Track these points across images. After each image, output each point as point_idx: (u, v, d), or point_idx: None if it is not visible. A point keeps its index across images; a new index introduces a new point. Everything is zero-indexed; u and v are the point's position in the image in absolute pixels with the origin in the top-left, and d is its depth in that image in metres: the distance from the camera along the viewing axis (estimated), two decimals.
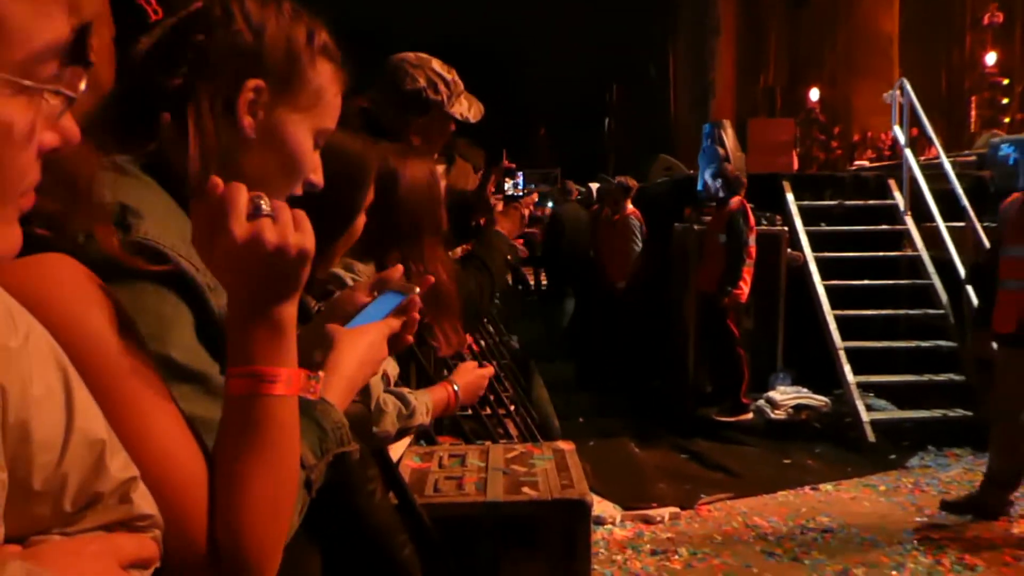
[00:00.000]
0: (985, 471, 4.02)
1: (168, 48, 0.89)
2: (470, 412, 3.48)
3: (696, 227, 6.45)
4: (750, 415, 5.83)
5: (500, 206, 2.28)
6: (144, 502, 0.64)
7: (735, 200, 5.82)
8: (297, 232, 0.74)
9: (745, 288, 5.78)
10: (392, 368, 1.68)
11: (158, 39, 0.91)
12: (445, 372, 2.04)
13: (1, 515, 0.53)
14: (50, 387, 0.57)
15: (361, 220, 1.30)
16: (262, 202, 0.73)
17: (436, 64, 2.10)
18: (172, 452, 0.69)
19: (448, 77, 2.10)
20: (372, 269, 1.58)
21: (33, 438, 0.55)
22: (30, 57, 0.51)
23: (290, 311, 0.76)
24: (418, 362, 2.22)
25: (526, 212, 2.47)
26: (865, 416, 5.50)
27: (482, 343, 4.63)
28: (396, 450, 1.76)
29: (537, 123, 30.91)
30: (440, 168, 2.20)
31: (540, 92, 28.90)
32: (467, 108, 2.15)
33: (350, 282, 1.48)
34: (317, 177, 0.98)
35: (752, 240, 5.79)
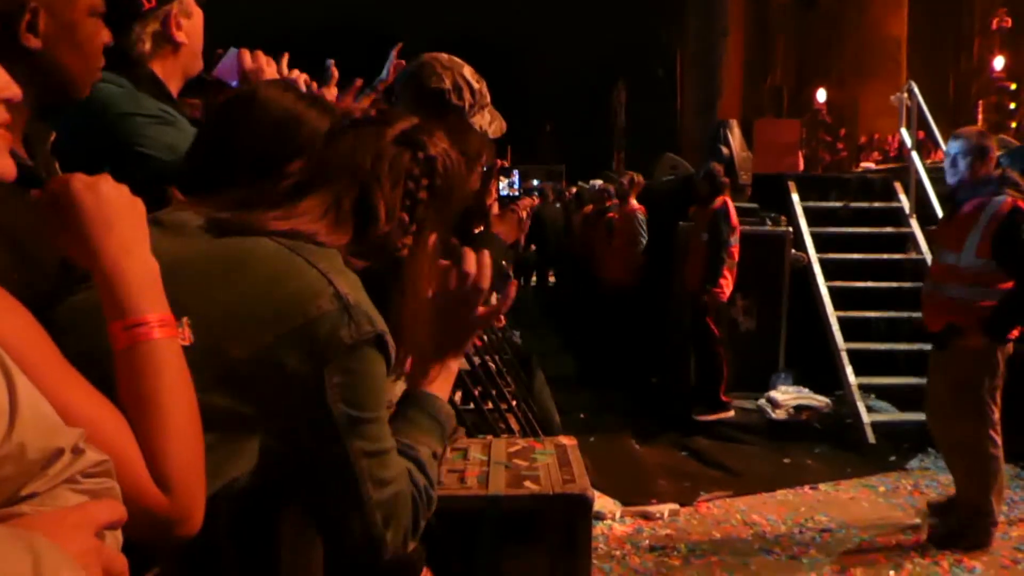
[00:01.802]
0: (955, 497, 3.81)
1: None
2: (472, 406, 3.50)
3: (681, 224, 6.45)
4: (731, 412, 5.84)
5: (496, 208, 2.25)
6: (94, 451, 0.69)
7: (719, 200, 5.82)
8: None
9: (726, 288, 5.77)
10: None
11: None
12: None
13: None
14: None
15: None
16: None
17: (467, 71, 2.05)
18: (96, 414, 0.75)
19: (476, 86, 2.04)
20: None
21: None
22: None
23: (150, 260, 0.84)
24: None
25: (524, 215, 2.45)
26: (866, 417, 5.51)
27: (484, 338, 4.65)
28: None
29: (543, 120, 30.87)
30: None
31: (546, 89, 28.88)
32: (488, 122, 2.08)
33: None
34: (9, 90, 0.84)
35: (735, 240, 5.78)
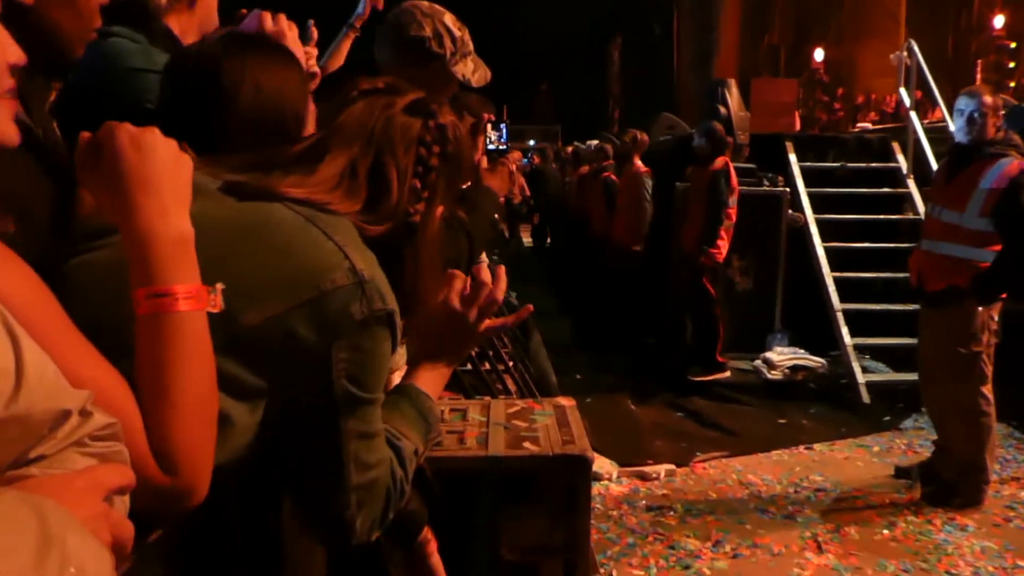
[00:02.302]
0: (940, 451, 3.84)
1: None
2: (470, 367, 3.50)
3: (679, 184, 6.41)
4: (727, 373, 5.86)
5: (485, 162, 2.21)
6: (102, 414, 0.68)
7: (719, 160, 5.77)
8: None
9: (723, 248, 5.76)
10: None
11: None
12: None
13: None
14: None
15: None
16: None
17: (448, 18, 2.02)
18: (99, 380, 0.73)
19: (457, 34, 2.01)
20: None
21: None
22: None
23: (186, 226, 0.82)
24: None
25: (513, 167, 2.42)
26: (860, 378, 5.54)
27: None
28: None
29: (539, 79, 30.55)
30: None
31: (542, 48, 28.51)
32: (471, 71, 2.05)
33: None
34: (16, 56, 0.79)
35: (733, 202, 5.75)
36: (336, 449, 0.96)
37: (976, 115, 3.58)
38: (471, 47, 2.06)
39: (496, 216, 2.21)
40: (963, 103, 3.65)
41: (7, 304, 0.67)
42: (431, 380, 1.18)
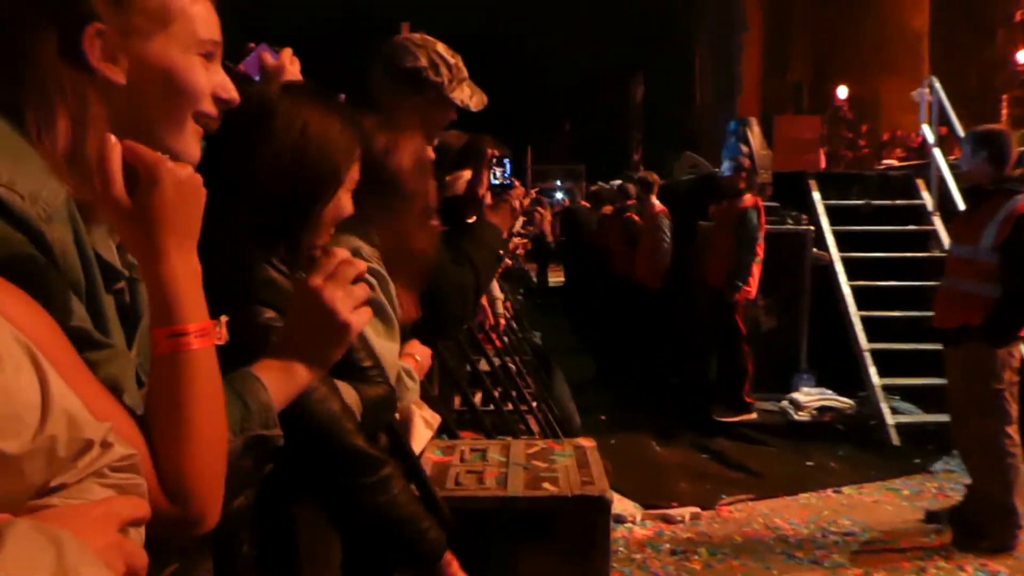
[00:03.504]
0: (971, 493, 3.76)
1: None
2: (492, 407, 3.50)
3: (702, 223, 6.41)
4: (753, 415, 5.79)
5: (489, 198, 2.24)
6: (122, 446, 0.69)
7: (748, 196, 5.77)
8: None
9: (754, 284, 5.74)
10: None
11: None
12: None
13: None
14: (17, 355, 0.62)
15: (346, 196, 1.28)
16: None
17: (441, 47, 2.06)
18: (110, 413, 0.74)
19: (451, 61, 2.05)
20: (378, 252, 1.58)
21: (17, 399, 0.60)
22: None
23: (196, 261, 0.82)
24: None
25: (516, 204, 2.43)
26: (890, 419, 5.45)
27: (504, 339, 4.65)
28: (418, 443, 1.76)
29: (561, 118, 30.79)
30: (468, 173, 2.15)
31: (563, 87, 28.79)
32: (468, 96, 2.08)
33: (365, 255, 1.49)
34: (227, 93, 0.94)
35: (761, 237, 5.74)
36: None
37: (974, 154, 3.66)
38: (465, 73, 2.09)
39: (501, 251, 2.22)
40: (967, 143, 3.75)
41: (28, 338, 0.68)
42: (271, 366, 0.97)
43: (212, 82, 0.93)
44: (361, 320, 1.01)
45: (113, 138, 0.80)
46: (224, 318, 0.87)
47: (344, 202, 1.28)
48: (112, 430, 0.68)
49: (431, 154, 2.15)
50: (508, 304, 5.31)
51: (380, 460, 1.28)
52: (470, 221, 2.14)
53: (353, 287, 1.01)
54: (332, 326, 0.99)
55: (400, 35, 2.10)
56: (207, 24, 0.92)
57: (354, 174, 1.29)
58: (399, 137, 1.64)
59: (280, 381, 0.96)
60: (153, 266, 0.80)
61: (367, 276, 1.45)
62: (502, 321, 5.83)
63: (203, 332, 0.81)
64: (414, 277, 1.66)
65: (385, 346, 1.49)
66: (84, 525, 0.62)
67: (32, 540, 0.56)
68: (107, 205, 0.80)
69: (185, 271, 0.81)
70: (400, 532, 1.33)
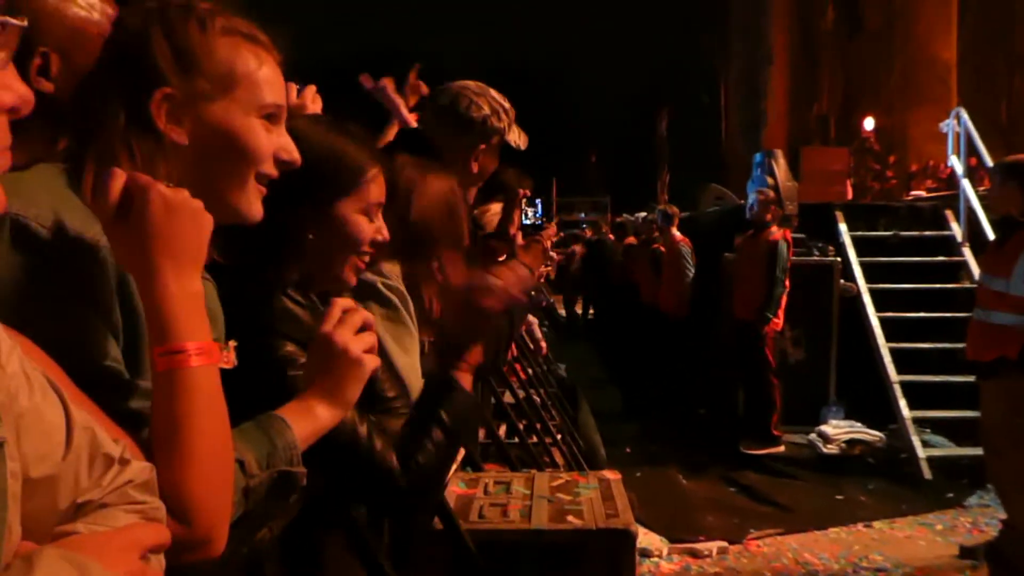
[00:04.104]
0: (1007, 528, 3.61)
1: (77, 90, 0.91)
2: (516, 440, 3.50)
3: (727, 255, 6.40)
4: (781, 447, 5.72)
5: (520, 238, 2.26)
6: (137, 461, 0.72)
7: (776, 229, 5.77)
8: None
9: (781, 316, 5.73)
10: None
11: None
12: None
13: (17, 511, 0.60)
14: (41, 379, 0.66)
15: (363, 220, 1.28)
16: None
17: (494, 93, 2.13)
18: (115, 434, 0.76)
19: (506, 105, 2.13)
20: (398, 268, 1.60)
21: (46, 419, 0.64)
22: None
23: (198, 284, 0.83)
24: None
25: (548, 244, 2.46)
26: (921, 452, 5.36)
27: (530, 371, 4.66)
28: None
29: (587, 150, 30.95)
30: (497, 206, 2.20)
31: (589, 119, 28.98)
32: (517, 135, 2.16)
33: (379, 286, 1.51)
34: (290, 155, 0.98)
35: (788, 269, 5.74)
36: None
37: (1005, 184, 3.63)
38: (514, 115, 2.16)
39: (532, 293, 2.25)
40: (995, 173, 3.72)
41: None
42: (294, 408, 1.03)
43: (274, 144, 0.97)
44: (372, 362, 1.07)
45: (116, 168, 0.82)
46: (233, 343, 0.88)
47: (362, 226, 1.27)
48: (127, 448, 0.71)
49: (497, 213, 2.20)
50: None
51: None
52: (501, 260, 2.17)
53: (361, 334, 1.07)
54: (346, 366, 1.05)
55: (454, 84, 2.14)
56: (272, 87, 0.96)
57: (369, 195, 1.28)
58: (428, 175, 1.68)
59: (303, 421, 1.01)
60: (147, 285, 0.81)
61: (389, 294, 1.50)
62: (543, 345, 5.87)
63: (203, 351, 0.81)
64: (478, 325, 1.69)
65: (409, 364, 1.52)
66: (109, 553, 0.64)
67: (60, 568, 0.59)
68: (105, 228, 0.81)
69: (181, 291, 0.81)
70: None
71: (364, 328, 1.08)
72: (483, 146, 2.08)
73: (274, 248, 1.20)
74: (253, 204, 0.96)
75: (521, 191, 2.20)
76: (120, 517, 0.68)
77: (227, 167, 0.93)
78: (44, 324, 0.76)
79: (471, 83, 2.16)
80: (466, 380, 1.38)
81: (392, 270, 1.56)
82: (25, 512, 0.61)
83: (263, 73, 0.95)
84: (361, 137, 1.32)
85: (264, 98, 0.95)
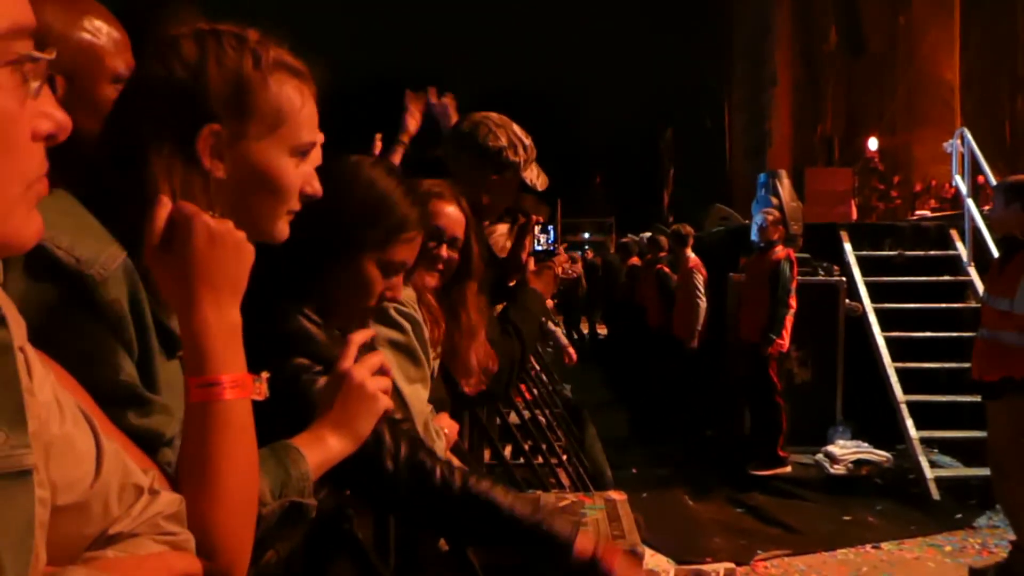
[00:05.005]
0: (1016, 549, 3.68)
1: (118, 115, 0.92)
2: (522, 460, 3.50)
3: (734, 275, 6.40)
4: (788, 468, 5.70)
5: (532, 264, 2.27)
6: (167, 492, 0.72)
7: (780, 248, 5.78)
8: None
9: (787, 337, 5.71)
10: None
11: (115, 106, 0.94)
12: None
13: (44, 537, 0.60)
14: (73, 407, 0.67)
15: (376, 279, 1.28)
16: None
17: (516, 127, 2.15)
18: (142, 463, 0.77)
19: (526, 141, 2.14)
20: (414, 294, 1.62)
21: (77, 447, 0.65)
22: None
23: (236, 315, 0.84)
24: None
25: (559, 271, 2.47)
26: (929, 473, 5.33)
27: (535, 391, 4.66)
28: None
29: (592, 171, 31.07)
30: (504, 227, 2.21)
31: (594, 141, 29.13)
32: (535, 175, 2.16)
33: (391, 311, 1.52)
34: (313, 188, 1.00)
35: (793, 289, 5.73)
36: None
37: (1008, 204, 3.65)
38: (535, 152, 2.17)
39: (544, 319, 2.27)
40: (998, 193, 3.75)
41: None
42: (308, 439, 1.04)
43: (301, 177, 0.98)
44: (387, 402, 1.10)
45: (164, 197, 0.83)
46: (265, 374, 0.88)
47: (375, 282, 1.27)
48: (156, 478, 0.72)
49: (504, 234, 2.21)
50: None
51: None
52: (511, 284, 2.18)
53: (377, 376, 1.10)
54: (361, 400, 1.07)
55: (478, 114, 2.15)
56: (310, 126, 0.97)
57: (396, 255, 1.28)
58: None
59: (317, 453, 1.02)
60: (186, 315, 0.81)
61: (400, 319, 1.51)
62: (572, 353, 5.86)
63: (237, 383, 0.82)
64: (480, 348, 1.71)
65: (414, 392, 1.53)
66: (138, 575, 0.65)
67: None
68: (148, 256, 0.83)
69: (220, 321, 0.81)
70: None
71: (380, 372, 1.11)
72: (494, 177, 2.09)
73: (297, 277, 1.22)
74: (282, 232, 0.97)
75: (535, 216, 2.21)
76: (150, 546, 0.68)
77: (260, 203, 0.94)
78: (60, 341, 0.77)
79: (493, 114, 2.17)
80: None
81: (408, 295, 1.57)
82: (52, 539, 0.61)
83: (305, 113, 0.96)
84: (416, 198, 1.33)
85: (303, 137, 0.96)
